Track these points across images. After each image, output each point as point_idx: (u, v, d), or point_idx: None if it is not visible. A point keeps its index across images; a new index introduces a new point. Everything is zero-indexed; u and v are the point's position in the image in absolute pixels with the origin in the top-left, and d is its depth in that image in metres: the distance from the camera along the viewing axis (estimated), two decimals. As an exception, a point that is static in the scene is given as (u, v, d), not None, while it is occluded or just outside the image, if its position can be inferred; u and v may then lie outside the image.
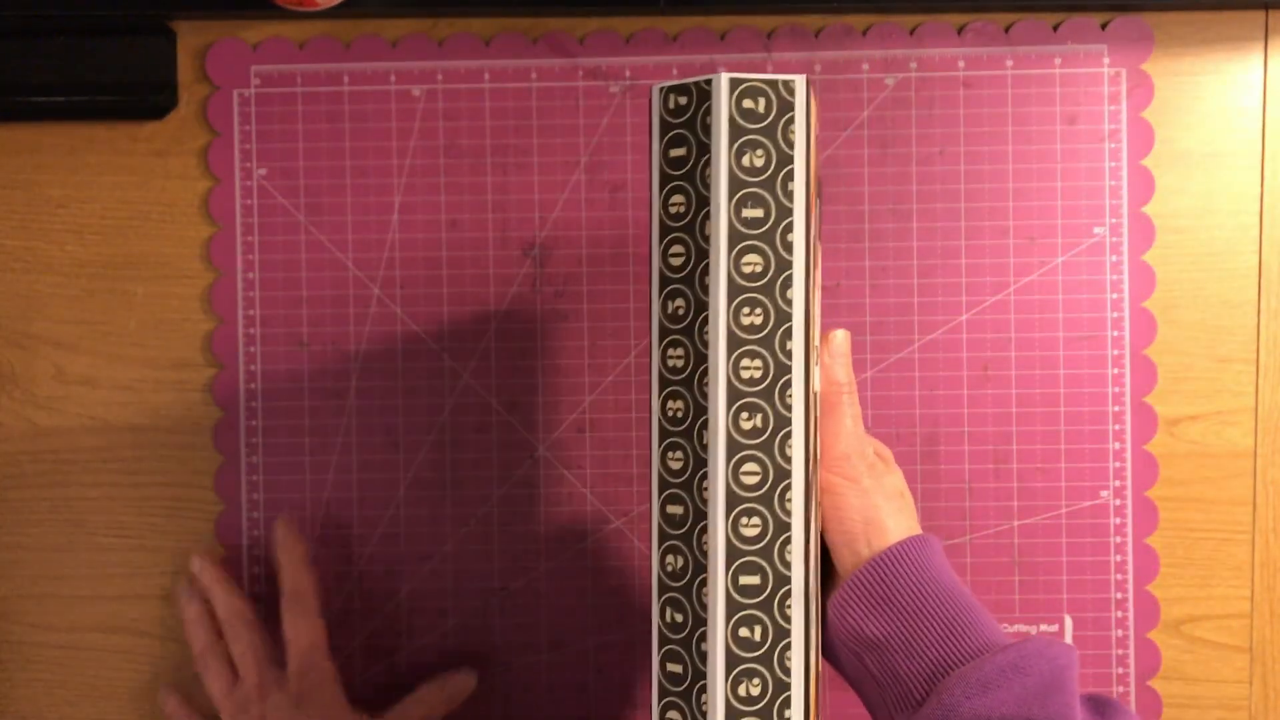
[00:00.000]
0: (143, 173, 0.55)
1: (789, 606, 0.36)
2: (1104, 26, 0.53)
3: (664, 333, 0.37)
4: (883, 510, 0.42)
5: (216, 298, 0.54)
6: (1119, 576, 0.53)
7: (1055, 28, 0.53)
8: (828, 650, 0.42)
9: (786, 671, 0.36)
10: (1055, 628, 0.54)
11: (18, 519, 0.55)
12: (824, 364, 0.40)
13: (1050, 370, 0.53)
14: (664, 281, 0.37)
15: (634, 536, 0.54)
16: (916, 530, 0.43)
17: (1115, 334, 0.53)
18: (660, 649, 0.36)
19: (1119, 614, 0.53)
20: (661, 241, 0.37)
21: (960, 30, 0.54)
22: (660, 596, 0.36)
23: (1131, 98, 0.53)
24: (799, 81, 0.36)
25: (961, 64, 0.53)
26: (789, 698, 0.35)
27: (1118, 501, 0.53)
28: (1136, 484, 0.53)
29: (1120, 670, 0.53)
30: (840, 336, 0.43)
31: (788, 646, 0.36)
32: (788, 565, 0.36)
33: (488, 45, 0.54)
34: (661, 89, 0.37)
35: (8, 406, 0.55)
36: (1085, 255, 0.53)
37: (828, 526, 0.42)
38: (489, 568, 0.54)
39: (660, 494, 0.36)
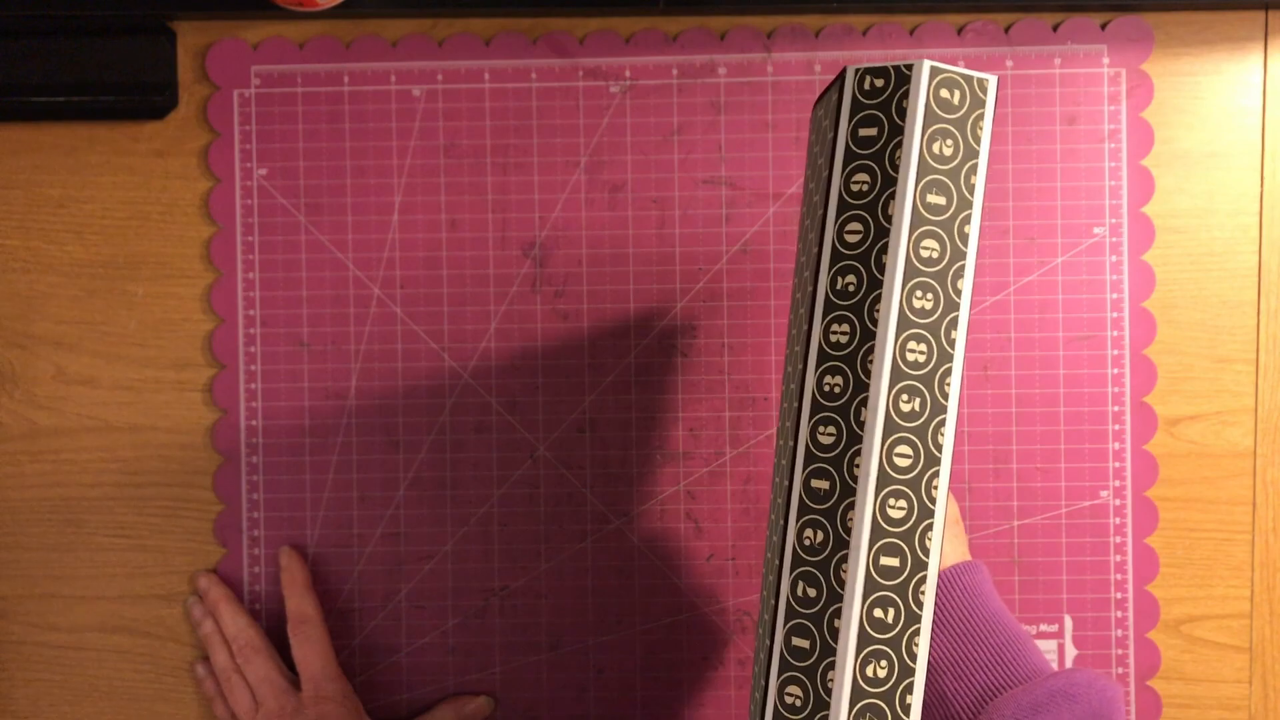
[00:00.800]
0: (143, 173, 0.55)
1: (923, 592, 0.36)
2: (1104, 26, 0.53)
3: (830, 308, 0.37)
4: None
5: (216, 298, 0.54)
6: (1119, 576, 0.53)
7: (1055, 28, 0.53)
8: None
9: (913, 657, 0.36)
10: (1055, 627, 0.54)
11: (18, 519, 0.55)
12: None
13: (1050, 370, 0.54)
14: (837, 256, 0.37)
15: (634, 536, 0.54)
16: (967, 556, 0.44)
17: (1115, 334, 0.53)
18: (788, 622, 0.36)
19: (1119, 614, 0.53)
20: (839, 218, 0.37)
21: (960, 30, 0.54)
22: (794, 570, 0.36)
23: (1131, 98, 0.53)
24: (992, 81, 0.37)
25: (961, 64, 0.53)
26: (912, 684, 0.36)
27: (1118, 501, 0.53)
28: (1136, 484, 0.53)
29: (1120, 670, 0.53)
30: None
31: (916, 632, 0.36)
32: (926, 551, 0.36)
33: (488, 45, 0.54)
34: (857, 70, 0.37)
35: (8, 406, 0.55)
36: (1085, 255, 0.53)
37: None
38: (489, 568, 0.54)
39: (806, 468, 0.37)
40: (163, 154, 0.55)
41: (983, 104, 0.36)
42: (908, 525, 0.36)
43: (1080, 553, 0.53)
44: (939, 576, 0.42)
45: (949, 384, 0.36)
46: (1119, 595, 0.53)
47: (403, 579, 0.55)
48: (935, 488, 0.36)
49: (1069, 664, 0.53)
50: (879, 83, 0.36)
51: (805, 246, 0.40)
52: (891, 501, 0.35)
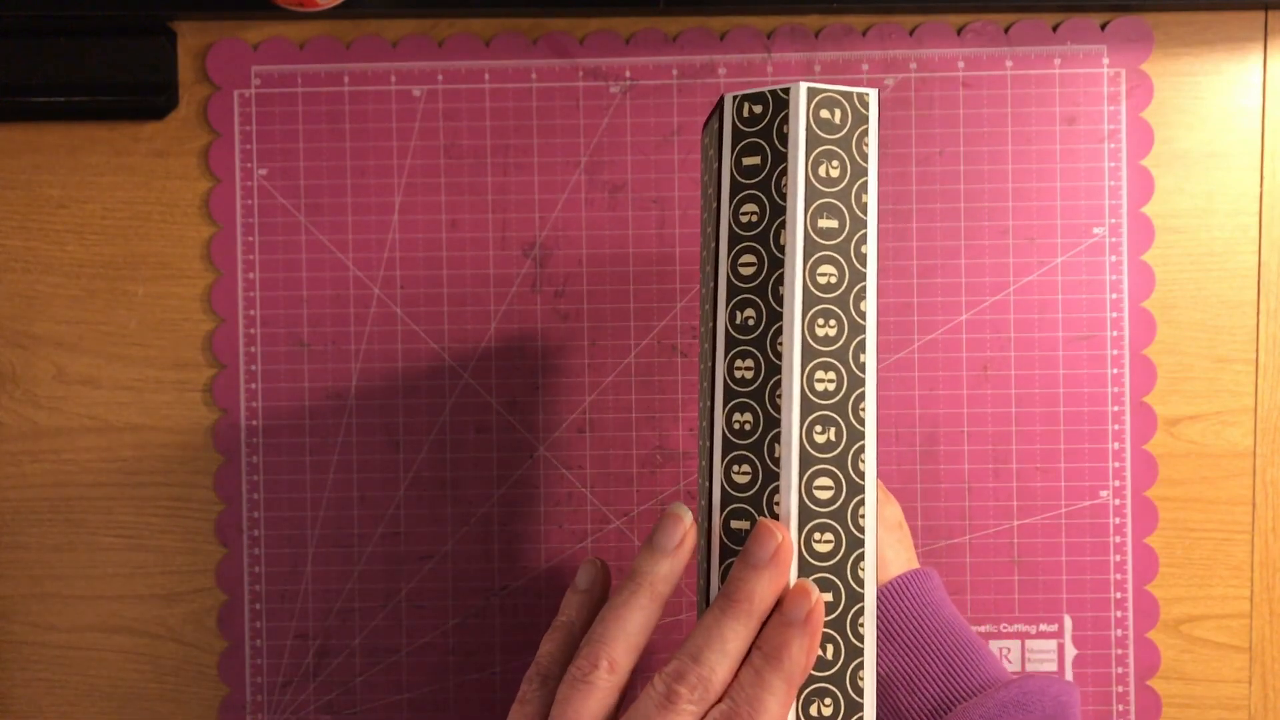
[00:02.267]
0: (143, 173, 0.55)
1: (862, 624, 0.35)
2: (1104, 27, 0.53)
3: (731, 343, 0.36)
4: (882, 542, 0.42)
5: (216, 298, 0.54)
6: (1118, 576, 0.53)
7: (1055, 28, 0.53)
8: None
9: (859, 691, 0.35)
10: (1055, 627, 0.54)
11: (18, 519, 0.55)
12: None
13: (1050, 370, 0.54)
14: (733, 291, 0.36)
15: (634, 536, 0.54)
16: (915, 562, 0.43)
17: (1115, 334, 0.53)
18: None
19: (1118, 614, 0.53)
20: (731, 251, 0.36)
21: (960, 30, 0.54)
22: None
23: (1131, 98, 0.53)
24: (872, 95, 0.36)
25: (961, 64, 0.54)
26: (862, 717, 0.35)
27: (1117, 501, 0.53)
28: (1136, 484, 0.53)
29: (1120, 670, 0.54)
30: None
31: (860, 665, 0.35)
32: (860, 582, 0.36)
33: (488, 45, 0.54)
34: (735, 97, 0.36)
35: (8, 406, 0.55)
36: (1085, 255, 0.53)
37: None
38: (489, 568, 0.54)
39: (724, 508, 0.36)
40: (163, 154, 0.55)
41: (865, 119, 0.36)
42: (837, 558, 0.35)
43: (1080, 553, 0.54)
44: (886, 588, 0.41)
45: (863, 409, 0.35)
46: (1119, 595, 0.53)
47: (403, 579, 0.55)
48: (862, 517, 0.35)
49: (1069, 664, 0.53)
50: (758, 109, 0.36)
51: (704, 279, 0.39)
52: (817, 535, 0.35)
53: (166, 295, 0.55)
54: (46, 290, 0.55)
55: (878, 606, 0.41)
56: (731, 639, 0.33)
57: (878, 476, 0.49)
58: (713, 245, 0.37)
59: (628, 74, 0.54)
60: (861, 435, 0.35)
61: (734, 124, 0.36)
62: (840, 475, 0.35)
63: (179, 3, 0.53)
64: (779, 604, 0.34)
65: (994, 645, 0.54)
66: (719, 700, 0.33)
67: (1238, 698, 0.54)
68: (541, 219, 0.54)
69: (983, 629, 0.54)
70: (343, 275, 0.54)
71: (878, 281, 0.36)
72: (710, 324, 0.37)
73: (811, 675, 0.35)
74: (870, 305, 0.35)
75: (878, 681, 0.40)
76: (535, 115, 0.54)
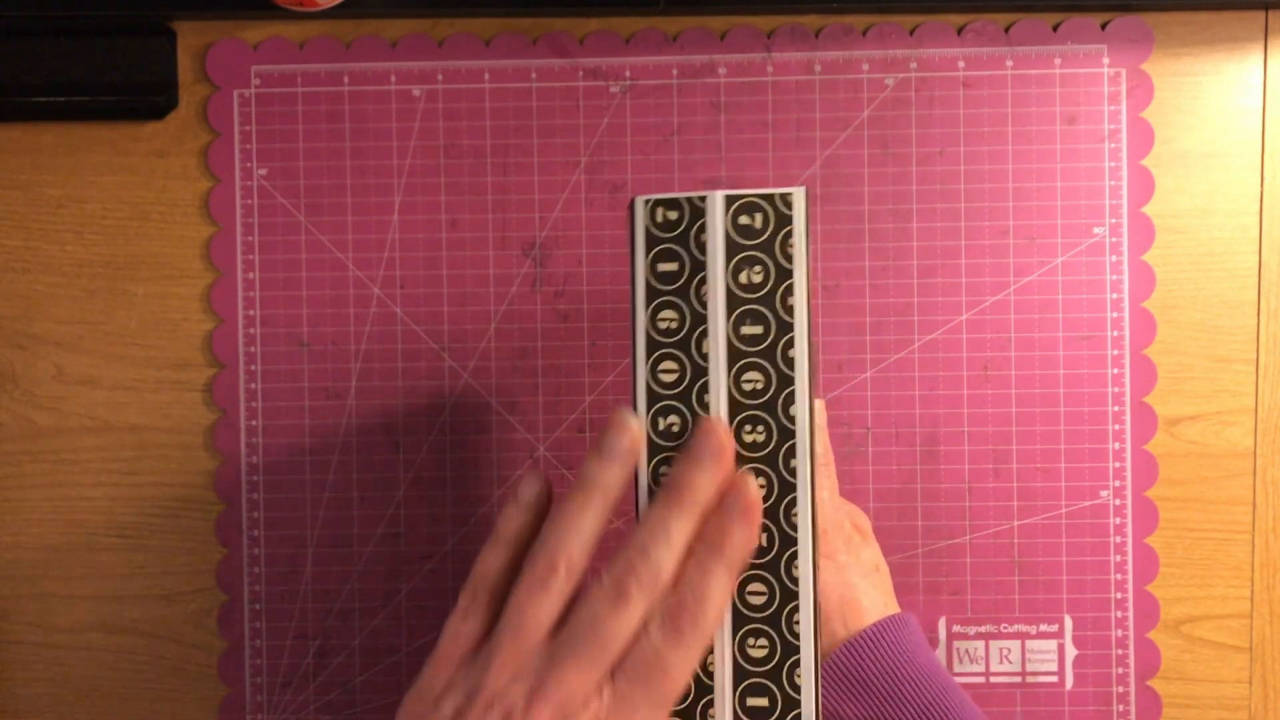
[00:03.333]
0: (143, 173, 0.55)
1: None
2: (1104, 26, 0.53)
3: (656, 450, 0.36)
4: (858, 589, 0.42)
5: (216, 298, 0.54)
6: (1119, 576, 0.53)
7: (1055, 28, 0.53)
8: None
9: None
10: (1055, 627, 0.54)
11: (18, 519, 0.55)
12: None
13: (1050, 370, 0.54)
14: (654, 398, 0.36)
15: (634, 536, 0.54)
16: (894, 607, 0.43)
17: (1115, 334, 0.53)
18: None
19: (1119, 614, 0.53)
20: (649, 358, 0.36)
21: (960, 30, 0.54)
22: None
23: (1131, 98, 0.53)
24: (798, 193, 0.35)
25: (961, 64, 0.53)
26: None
27: (1118, 501, 0.53)
28: (1136, 484, 0.53)
29: (1120, 670, 0.53)
30: (817, 408, 0.42)
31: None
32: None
33: (488, 45, 0.54)
34: (648, 202, 0.35)
35: (8, 406, 0.55)
36: (1085, 255, 0.53)
37: None
38: (489, 568, 0.54)
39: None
40: (163, 154, 0.55)
41: (789, 220, 0.35)
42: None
43: (1080, 553, 0.53)
44: (862, 637, 0.41)
45: (795, 514, 0.35)
46: (1119, 595, 0.53)
47: (403, 579, 0.55)
48: (797, 623, 0.35)
49: (1069, 664, 0.53)
50: (673, 216, 0.35)
51: (631, 382, 0.38)
52: (751, 640, 0.35)
53: (166, 295, 0.55)
54: (46, 290, 0.55)
55: (854, 656, 0.41)
56: (676, 532, 0.33)
57: (862, 514, 0.49)
58: (633, 349, 0.37)
59: (628, 74, 0.54)
60: (794, 542, 0.35)
61: (648, 229, 0.36)
62: (772, 580, 0.35)
63: (179, 3, 0.53)
64: (720, 497, 0.34)
65: (994, 645, 0.54)
66: (666, 592, 0.33)
67: (1238, 698, 0.54)
68: (541, 219, 0.54)
69: (983, 629, 0.54)
70: (343, 275, 0.54)
71: (812, 380, 0.36)
72: (640, 423, 0.37)
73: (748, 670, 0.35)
74: (800, 408, 0.35)
75: None
76: (535, 115, 0.54)
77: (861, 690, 0.40)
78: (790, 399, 0.35)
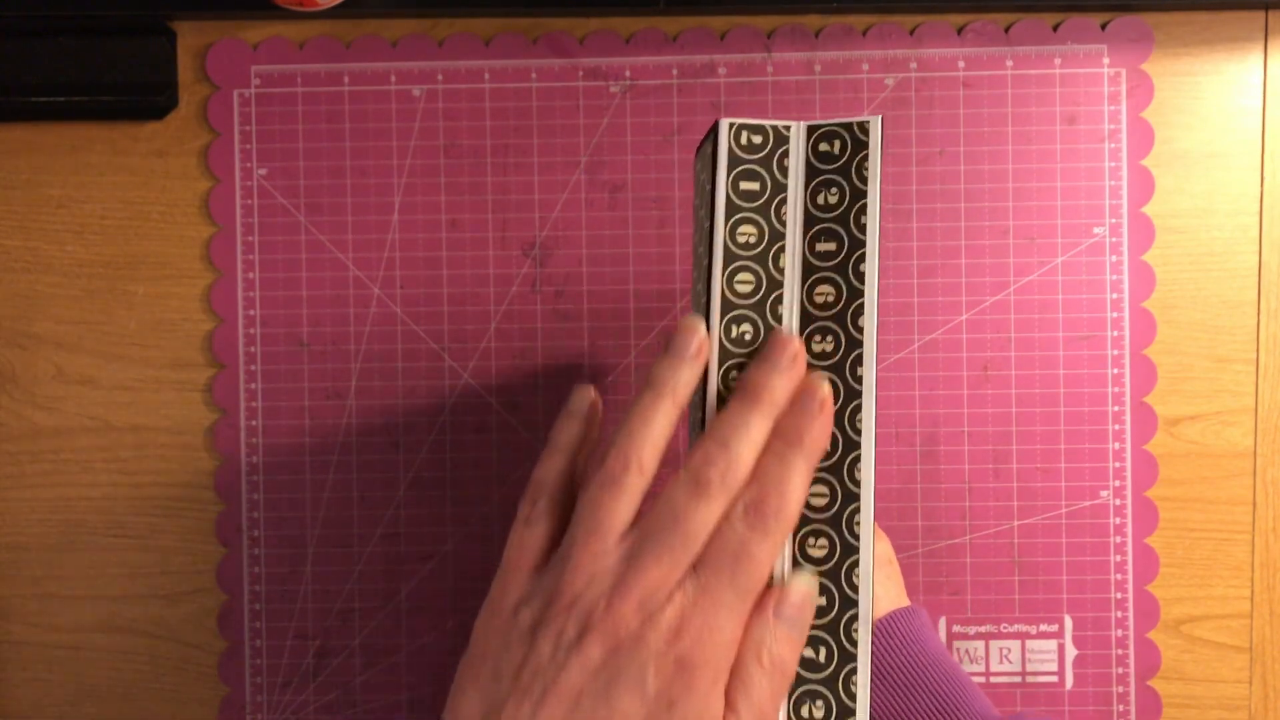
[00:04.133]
0: (143, 173, 0.55)
1: (855, 630, 0.35)
2: (1104, 26, 0.53)
3: (727, 355, 0.37)
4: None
5: (216, 298, 0.54)
6: (1119, 576, 0.53)
7: (1055, 28, 0.53)
8: None
9: (851, 697, 0.35)
10: (1055, 627, 0.54)
11: (18, 519, 0.55)
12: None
13: (1050, 370, 0.54)
14: (728, 306, 0.37)
15: (634, 536, 0.54)
16: (904, 600, 0.43)
17: (1115, 334, 0.53)
18: None
19: (1119, 614, 0.53)
20: (727, 269, 0.37)
21: (960, 30, 0.54)
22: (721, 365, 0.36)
23: (1131, 98, 0.53)
24: (874, 123, 0.37)
25: (961, 64, 0.53)
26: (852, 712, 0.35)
27: (1118, 501, 0.53)
28: (1136, 484, 0.53)
29: (1120, 670, 0.53)
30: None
31: (853, 671, 0.35)
32: (855, 588, 0.36)
33: (488, 45, 0.54)
34: (733, 125, 0.37)
35: (8, 406, 0.55)
36: (1085, 255, 0.53)
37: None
38: (489, 568, 0.54)
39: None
40: (163, 154, 0.55)
41: (865, 146, 0.37)
42: (831, 564, 0.35)
43: (1080, 553, 0.53)
44: (875, 627, 0.41)
45: (860, 420, 0.36)
46: (1119, 595, 0.53)
47: (403, 579, 0.55)
48: (858, 524, 0.36)
49: (1069, 664, 0.53)
50: (757, 139, 0.37)
51: (695, 295, 0.40)
52: (811, 541, 0.36)
53: (166, 295, 0.55)
54: (46, 290, 0.55)
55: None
56: (755, 427, 0.33)
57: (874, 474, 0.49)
58: (705, 262, 0.38)
59: (628, 74, 0.54)
60: (858, 445, 0.36)
61: (731, 150, 0.37)
62: (835, 483, 0.36)
63: (179, 3, 0.53)
64: (793, 399, 0.35)
65: (994, 645, 0.54)
66: (745, 486, 0.33)
67: (1238, 698, 0.54)
68: (541, 219, 0.54)
69: (983, 629, 0.54)
70: (343, 275, 0.54)
71: (878, 298, 0.37)
72: (710, 335, 0.38)
73: (803, 677, 0.35)
74: (869, 321, 0.36)
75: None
76: (535, 115, 0.54)
77: (876, 680, 0.41)
78: (859, 311, 0.36)
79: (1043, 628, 0.54)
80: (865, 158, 0.37)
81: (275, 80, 0.54)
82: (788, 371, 0.35)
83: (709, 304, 0.37)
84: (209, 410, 0.55)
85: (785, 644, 0.33)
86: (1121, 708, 0.54)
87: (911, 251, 0.54)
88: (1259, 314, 0.54)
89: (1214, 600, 0.54)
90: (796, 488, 0.33)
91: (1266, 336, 0.54)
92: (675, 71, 0.54)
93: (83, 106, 0.54)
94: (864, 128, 0.37)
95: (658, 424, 0.34)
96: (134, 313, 0.55)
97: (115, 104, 0.54)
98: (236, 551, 0.55)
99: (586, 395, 0.38)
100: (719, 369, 0.37)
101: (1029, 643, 0.54)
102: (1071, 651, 0.54)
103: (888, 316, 0.54)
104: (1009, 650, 0.54)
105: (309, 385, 0.54)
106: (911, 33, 0.54)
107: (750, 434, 0.33)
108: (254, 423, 0.54)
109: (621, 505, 0.33)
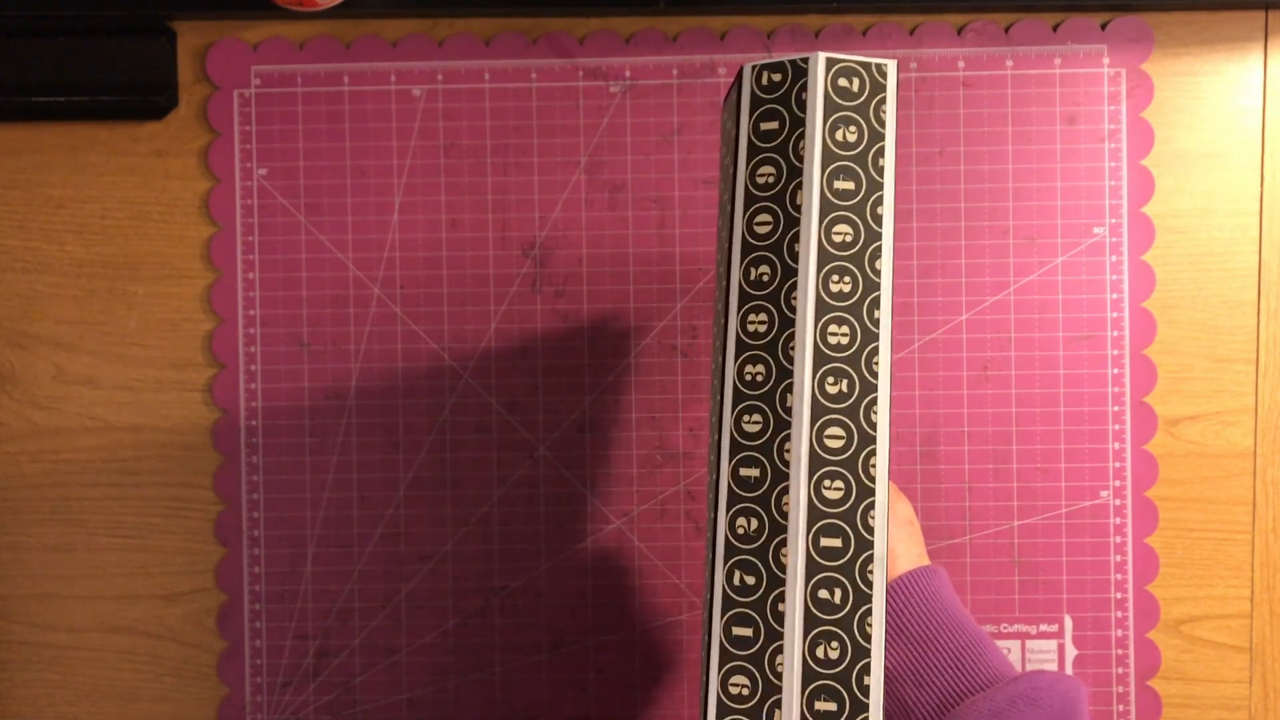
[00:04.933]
0: (143, 173, 0.55)
1: (871, 571, 0.35)
2: (1104, 26, 0.53)
3: (745, 298, 0.37)
4: (894, 538, 0.43)
5: (216, 298, 0.54)
6: (1119, 576, 0.53)
7: (1055, 28, 0.53)
8: None
9: (866, 638, 0.35)
10: (1055, 627, 0.54)
11: (18, 519, 0.55)
12: None
13: (1050, 370, 0.53)
14: (748, 249, 0.37)
15: (634, 536, 0.54)
16: (924, 559, 0.44)
17: (1115, 334, 0.53)
18: (725, 613, 0.36)
19: (1119, 614, 0.53)
20: (747, 210, 0.37)
21: (960, 30, 0.54)
22: (728, 560, 0.36)
23: (1131, 98, 0.53)
24: (891, 65, 0.37)
25: (961, 64, 0.53)
26: (869, 664, 0.35)
27: (1118, 501, 0.53)
28: (1136, 484, 0.53)
29: (1120, 670, 0.53)
30: None
31: (869, 613, 0.35)
32: (870, 530, 0.35)
33: (488, 45, 0.54)
34: (754, 66, 0.37)
35: (8, 406, 0.55)
36: (1085, 255, 0.53)
37: None
38: (489, 568, 0.54)
39: (733, 457, 0.36)
40: (163, 154, 0.55)
41: (883, 88, 0.37)
42: (846, 506, 0.35)
43: (1080, 553, 0.53)
44: (895, 584, 0.41)
45: (877, 363, 0.36)
46: (1119, 595, 0.53)
47: (403, 579, 0.55)
48: (873, 466, 0.36)
49: (1069, 664, 0.53)
50: (776, 77, 0.37)
51: (720, 245, 0.40)
52: (827, 483, 0.35)
53: (166, 295, 0.55)
54: (46, 290, 0.55)
55: (888, 603, 0.41)
56: None
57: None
58: (729, 210, 0.38)
59: (628, 74, 0.54)
60: (875, 388, 0.36)
61: (753, 91, 0.37)
62: (851, 425, 0.36)
63: (179, 3, 0.53)
64: None
65: (995, 642, 0.54)
66: None
67: (1238, 698, 0.54)
68: (541, 219, 0.54)
69: (983, 629, 0.54)
70: (343, 275, 0.54)
71: (894, 243, 0.37)
72: (724, 283, 0.38)
73: (819, 618, 0.35)
74: (885, 264, 0.36)
75: (886, 677, 0.40)
76: (535, 115, 0.54)
77: (894, 636, 0.41)
78: (877, 254, 0.36)
79: (1043, 628, 0.54)
80: (883, 100, 0.37)
81: (275, 80, 0.54)
82: None
83: (729, 246, 0.37)
84: (209, 410, 0.55)
85: None
86: (1121, 707, 0.54)
87: (911, 251, 0.54)
88: (1259, 314, 0.54)
89: (1214, 600, 0.54)
90: None
91: (1266, 336, 0.54)
92: (675, 71, 0.54)
93: (83, 106, 0.54)
94: (882, 70, 0.37)
95: None
96: (134, 313, 0.55)
97: (115, 104, 0.54)
98: (236, 551, 0.55)
99: None
100: (739, 310, 0.37)
101: (1029, 642, 0.54)
102: (1071, 651, 0.54)
103: (888, 316, 0.54)
104: (1009, 650, 0.54)
105: (309, 385, 0.54)
106: (911, 33, 0.54)
107: None
108: (254, 423, 0.54)
109: None
